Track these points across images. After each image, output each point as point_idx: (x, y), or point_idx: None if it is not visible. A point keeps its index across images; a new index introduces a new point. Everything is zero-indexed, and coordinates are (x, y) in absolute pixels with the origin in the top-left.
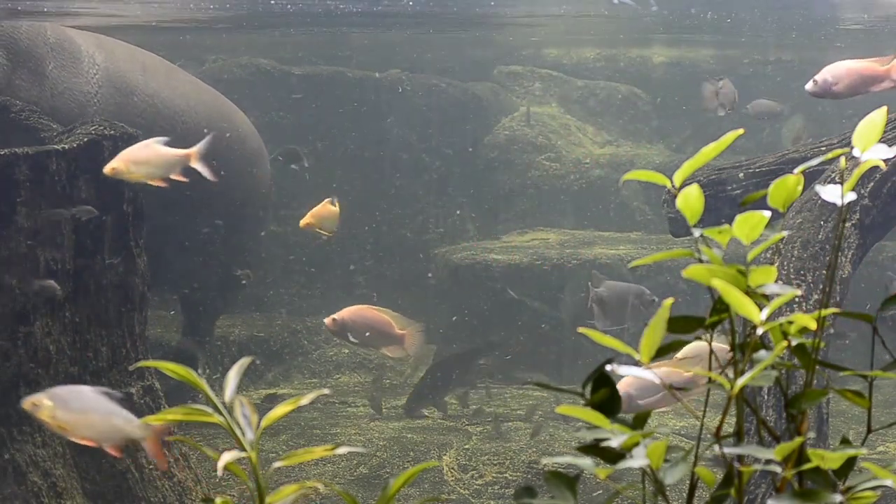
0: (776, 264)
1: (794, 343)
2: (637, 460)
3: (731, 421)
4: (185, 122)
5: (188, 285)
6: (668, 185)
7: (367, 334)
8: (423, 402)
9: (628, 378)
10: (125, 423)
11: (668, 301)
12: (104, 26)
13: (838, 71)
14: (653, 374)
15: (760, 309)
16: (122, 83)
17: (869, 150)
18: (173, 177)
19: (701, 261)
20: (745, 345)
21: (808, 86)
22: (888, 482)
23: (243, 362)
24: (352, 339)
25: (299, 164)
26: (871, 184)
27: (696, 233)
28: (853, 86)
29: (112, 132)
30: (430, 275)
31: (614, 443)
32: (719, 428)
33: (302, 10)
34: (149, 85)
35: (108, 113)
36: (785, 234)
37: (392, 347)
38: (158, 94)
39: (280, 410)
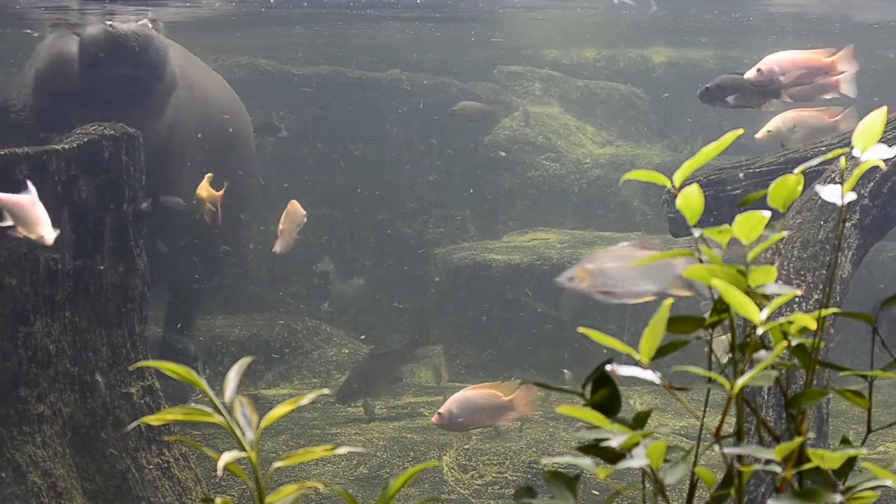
0: (776, 264)
1: (794, 343)
2: (637, 460)
3: (731, 421)
4: (215, 97)
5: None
6: (668, 185)
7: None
8: (354, 396)
9: (456, 396)
10: None
11: (668, 301)
12: None
13: (784, 61)
14: (653, 375)
15: (760, 309)
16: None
17: (869, 150)
18: None
19: (701, 261)
20: (745, 345)
21: (751, 75)
22: (888, 482)
23: (243, 362)
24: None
25: (277, 136)
26: (871, 184)
27: (696, 233)
28: (799, 76)
29: (112, 132)
30: (437, 278)
31: (614, 443)
32: (719, 428)
33: (305, 8)
34: (183, 64)
35: (185, 94)
36: (785, 234)
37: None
38: (187, 72)
39: (280, 410)
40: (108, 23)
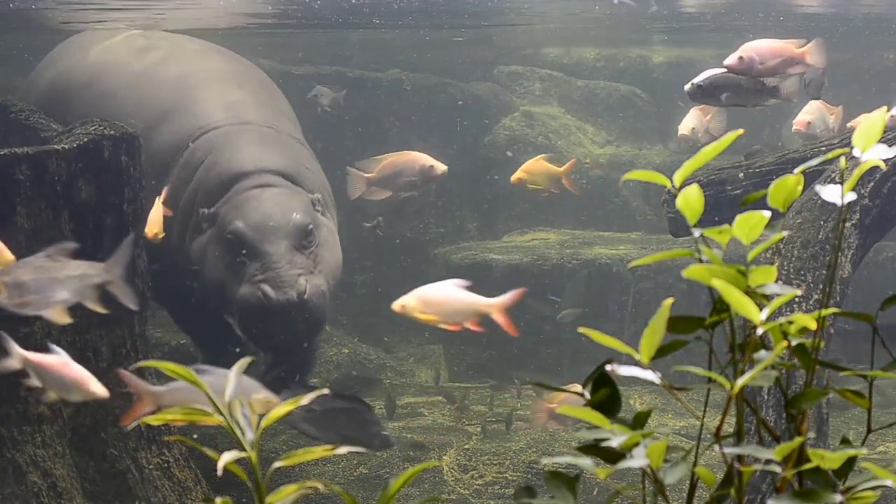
0: (776, 264)
1: (794, 343)
2: (637, 460)
3: (731, 421)
4: None
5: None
6: (668, 185)
7: None
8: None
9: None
10: None
11: (668, 301)
12: (103, 28)
13: (762, 50)
14: (653, 375)
15: (760, 309)
16: None
17: (869, 150)
18: None
19: (701, 261)
20: (745, 345)
21: (731, 61)
22: (888, 482)
23: (243, 362)
24: None
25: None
26: (871, 184)
27: (696, 233)
28: (775, 65)
29: (112, 132)
30: (437, 278)
31: (614, 443)
32: (719, 428)
33: (304, 10)
34: None
35: None
36: (785, 234)
37: None
38: None
39: (280, 410)
40: (264, 287)
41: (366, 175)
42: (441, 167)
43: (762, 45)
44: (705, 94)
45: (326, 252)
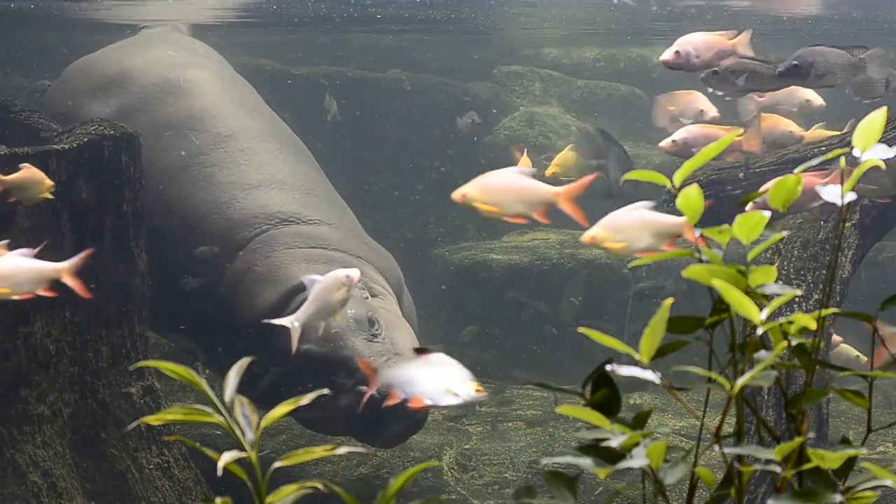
0: (776, 264)
1: (794, 343)
2: (637, 460)
3: (731, 421)
4: None
5: None
6: (668, 185)
7: None
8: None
9: None
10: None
11: (668, 301)
12: (100, 24)
13: (697, 43)
14: (653, 375)
15: (760, 309)
16: None
17: (869, 150)
18: None
19: (701, 261)
20: (745, 345)
21: (669, 56)
22: (888, 482)
23: (243, 362)
24: None
25: None
26: None
27: (697, 233)
28: (710, 58)
29: (112, 132)
30: (437, 278)
31: (614, 443)
32: (719, 428)
33: (304, 11)
34: None
35: None
36: (785, 234)
37: None
38: None
39: (280, 410)
40: (362, 388)
41: (669, 108)
42: (712, 111)
43: (697, 38)
44: (721, 79)
45: (398, 333)
